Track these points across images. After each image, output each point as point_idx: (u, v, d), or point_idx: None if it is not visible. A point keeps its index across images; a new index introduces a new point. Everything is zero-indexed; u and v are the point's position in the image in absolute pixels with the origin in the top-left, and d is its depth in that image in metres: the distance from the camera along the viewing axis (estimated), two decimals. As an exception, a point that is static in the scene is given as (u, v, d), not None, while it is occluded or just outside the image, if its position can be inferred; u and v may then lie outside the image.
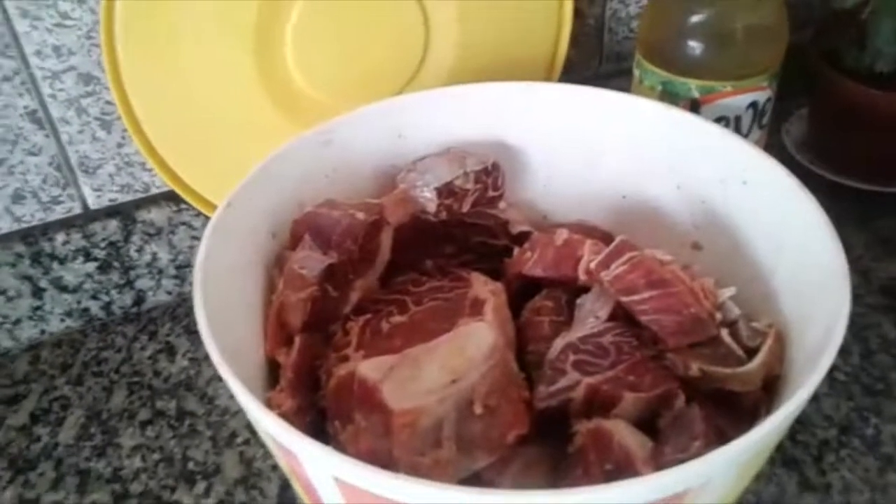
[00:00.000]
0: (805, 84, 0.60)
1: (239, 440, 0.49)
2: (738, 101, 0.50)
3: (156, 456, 0.48)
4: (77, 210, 0.54)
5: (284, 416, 0.38)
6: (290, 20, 0.50)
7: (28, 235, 0.53)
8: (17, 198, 0.52)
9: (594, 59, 0.65)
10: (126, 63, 0.48)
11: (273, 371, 0.40)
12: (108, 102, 0.51)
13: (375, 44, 0.53)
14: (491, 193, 0.48)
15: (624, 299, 0.38)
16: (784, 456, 0.44)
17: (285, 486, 0.46)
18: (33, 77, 0.48)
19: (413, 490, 0.28)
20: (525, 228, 0.48)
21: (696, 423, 0.36)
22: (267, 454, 0.47)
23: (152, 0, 0.47)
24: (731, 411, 0.37)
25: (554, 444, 0.37)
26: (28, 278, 0.54)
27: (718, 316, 0.39)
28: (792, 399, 0.31)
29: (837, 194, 0.59)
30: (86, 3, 0.47)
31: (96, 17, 0.48)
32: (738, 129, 0.51)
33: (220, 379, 0.52)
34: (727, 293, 0.40)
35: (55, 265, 0.54)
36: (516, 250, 0.45)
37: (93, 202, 0.54)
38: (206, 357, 0.54)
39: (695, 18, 0.49)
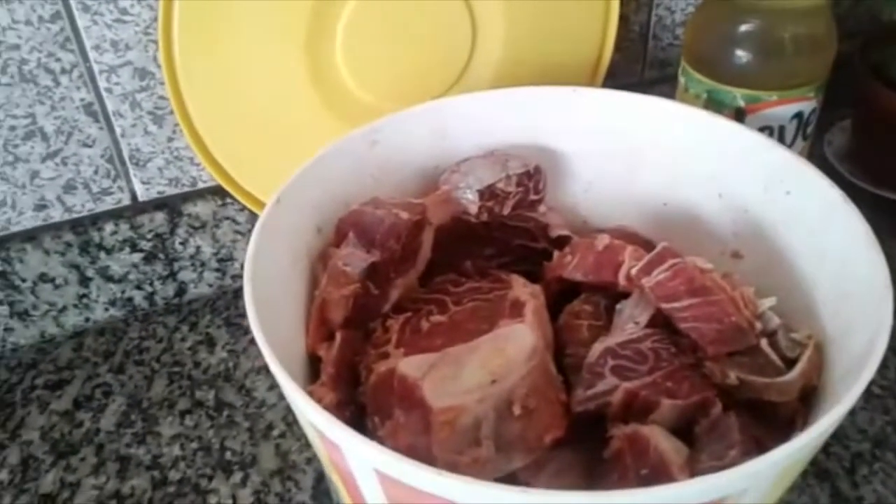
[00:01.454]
0: (848, 95, 0.60)
1: (275, 432, 0.50)
2: (783, 112, 0.50)
3: (194, 445, 0.49)
4: (126, 202, 0.55)
5: (326, 409, 0.39)
6: (340, 20, 0.51)
7: (78, 225, 0.54)
8: (69, 188, 0.53)
9: (638, 65, 0.65)
10: (181, 59, 0.49)
11: (314, 365, 0.41)
12: (162, 97, 0.52)
13: (423, 46, 0.54)
14: (532, 197, 0.48)
15: (664, 306, 0.39)
16: (817, 468, 0.44)
17: (320, 478, 0.47)
18: (91, 70, 0.50)
19: (455, 486, 0.29)
20: (565, 232, 0.48)
21: (732, 432, 0.36)
22: (302, 447, 0.48)
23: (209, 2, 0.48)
24: (767, 421, 0.38)
25: (590, 448, 0.37)
26: (76, 267, 0.55)
27: (758, 325, 0.39)
28: (831, 412, 0.31)
29: (878, 206, 0.59)
30: (144, 0, 0.49)
31: (154, 13, 0.49)
32: (781, 139, 0.51)
33: (258, 371, 0.53)
34: (767, 303, 0.40)
35: (102, 255, 0.56)
36: (556, 254, 0.46)
37: (142, 194, 0.55)
38: (245, 349, 0.55)
39: (742, 28, 0.49)
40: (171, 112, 0.52)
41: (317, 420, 0.32)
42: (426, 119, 0.49)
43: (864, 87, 0.59)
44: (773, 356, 0.38)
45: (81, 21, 0.48)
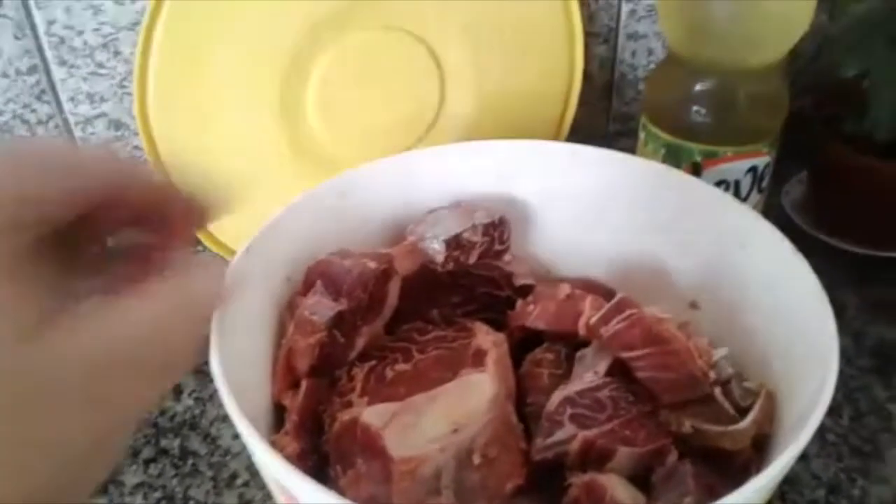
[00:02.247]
0: (806, 148, 0.62)
1: (239, 482, 0.50)
2: (738, 166, 0.52)
3: (157, 494, 0.49)
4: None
5: (289, 458, 0.39)
6: (312, 77, 0.53)
7: (51, 271, 0.55)
8: (43, 235, 0.54)
9: (602, 119, 0.67)
10: (155, 112, 0.51)
11: (279, 414, 0.41)
12: (136, 147, 0.53)
13: (393, 101, 0.56)
14: (497, 247, 0.49)
15: (622, 355, 0.40)
16: (775, 515, 0.45)
17: (286, 526, 0.47)
18: (67, 122, 0.51)
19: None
20: (529, 281, 0.49)
21: (687, 480, 0.37)
22: (265, 496, 0.49)
23: (185, 54, 0.50)
24: (722, 469, 0.38)
25: (549, 497, 0.38)
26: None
27: (712, 375, 0.40)
28: (780, 458, 0.32)
29: (833, 257, 0.61)
30: (121, 54, 0.50)
31: (130, 67, 0.51)
32: (737, 193, 0.53)
33: (223, 419, 0.54)
34: (721, 353, 0.41)
35: (74, 300, 0.56)
36: (519, 302, 0.47)
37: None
38: (212, 397, 0.56)
39: (698, 87, 0.51)
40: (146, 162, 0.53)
41: (276, 471, 0.32)
42: (395, 171, 0.50)
43: (820, 142, 0.61)
44: (727, 405, 0.40)
45: (58, 74, 0.49)
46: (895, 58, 0.57)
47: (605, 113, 0.67)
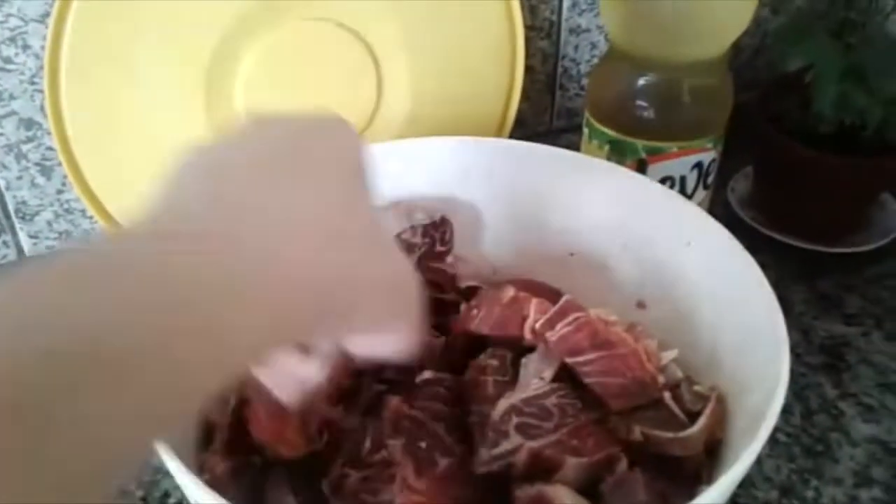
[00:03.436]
0: (750, 143, 0.61)
1: (171, 500, 0.47)
2: (683, 162, 0.51)
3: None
4: (12, 257, 0.52)
5: (218, 479, 0.37)
6: (241, 68, 0.50)
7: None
8: (-51, 243, 0.50)
9: (546, 115, 0.65)
10: (69, 109, 0.47)
11: (207, 432, 0.39)
12: (49, 149, 0.50)
13: (327, 96, 0.53)
14: (439, 248, 0.47)
15: (568, 360, 0.38)
16: (727, 519, 0.43)
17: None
18: (-29, 121, 0.47)
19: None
20: (473, 283, 0.48)
21: (638, 489, 0.35)
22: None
23: (100, 45, 0.46)
24: (673, 476, 0.37)
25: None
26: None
27: (661, 379, 0.39)
28: (731, 469, 0.31)
29: (780, 252, 0.60)
30: (30, 48, 0.47)
31: (40, 62, 0.47)
32: (683, 189, 0.52)
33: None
34: (670, 356, 0.40)
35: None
36: (462, 307, 0.45)
37: (29, 249, 0.52)
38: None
39: (641, 81, 0.50)
40: (60, 163, 0.49)
41: (198, 496, 0.30)
42: (330, 170, 0.48)
43: (764, 137, 0.60)
44: (677, 410, 0.38)
45: (-39, 69, 0.46)
46: (837, 51, 0.57)
47: (548, 108, 0.65)
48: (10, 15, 0.46)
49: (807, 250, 0.59)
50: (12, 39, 0.46)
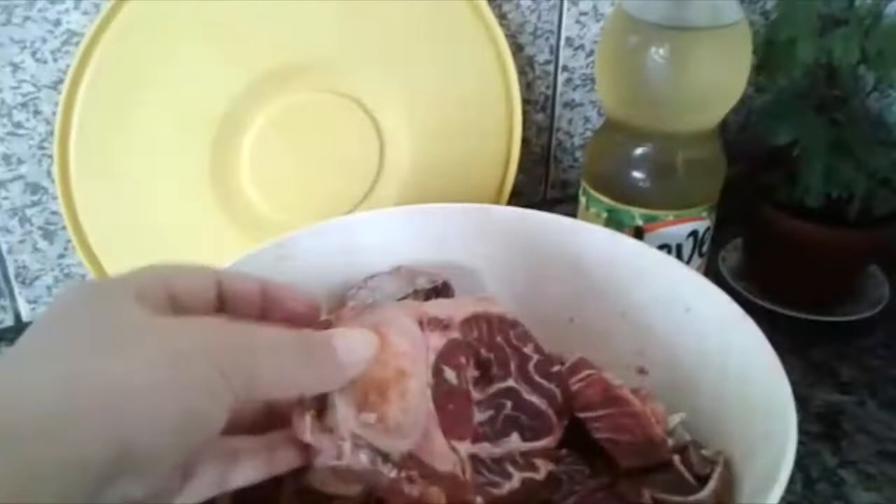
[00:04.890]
0: (740, 215, 0.63)
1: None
2: (679, 230, 0.52)
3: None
4: (9, 322, 0.52)
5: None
6: (245, 142, 0.51)
7: (-45, 347, 0.51)
8: (-52, 306, 0.50)
9: (541, 186, 0.67)
10: (77, 175, 0.48)
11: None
12: (54, 213, 0.50)
13: (330, 166, 0.54)
14: (440, 313, 0.48)
15: (580, 415, 0.38)
16: (735, 588, 0.43)
17: None
18: (-21, 184, 0.48)
19: None
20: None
21: (648, 553, 0.35)
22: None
23: (110, 112, 0.47)
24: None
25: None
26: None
27: (670, 441, 0.39)
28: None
29: (772, 322, 0.60)
30: (41, 114, 0.47)
31: (50, 127, 0.48)
32: (679, 257, 0.53)
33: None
34: (677, 418, 0.40)
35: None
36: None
37: (27, 314, 0.52)
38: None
39: (637, 152, 0.52)
40: (64, 228, 0.49)
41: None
42: (334, 234, 0.48)
43: (754, 209, 0.62)
44: (686, 473, 0.38)
45: (-28, 134, 0.46)
46: (823, 126, 0.59)
47: (542, 180, 0.67)
48: (23, 81, 0.47)
49: (799, 319, 0.60)
50: (24, 105, 0.47)
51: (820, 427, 0.53)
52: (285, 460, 0.32)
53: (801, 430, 0.52)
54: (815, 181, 0.58)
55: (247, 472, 0.31)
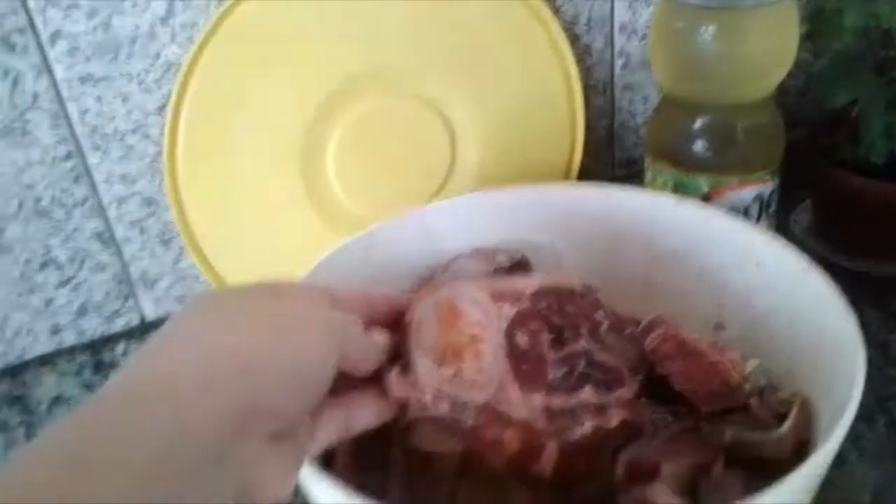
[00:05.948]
0: (807, 177, 0.64)
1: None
2: (744, 194, 0.54)
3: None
4: (135, 322, 0.58)
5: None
6: (330, 143, 0.56)
7: (90, 346, 0.57)
8: (82, 312, 0.56)
9: (606, 168, 0.70)
10: (185, 187, 0.53)
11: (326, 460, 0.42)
12: (167, 223, 0.55)
13: (407, 160, 0.58)
14: (521, 287, 0.51)
15: (660, 369, 0.41)
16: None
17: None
18: (101, 203, 0.53)
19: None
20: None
21: (735, 489, 0.37)
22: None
23: (209, 130, 0.53)
24: (767, 480, 0.39)
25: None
26: (89, 387, 0.57)
27: (747, 386, 0.41)
28: (816, 454, 0.33)
29: (849, 277, 0.61)
30: (149, 137, 0.53)
31: (159, 148, 0.53)
32: (746, 219, 0.55)
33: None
34: (752, 364, 0.42)
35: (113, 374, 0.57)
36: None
37: (150, 313, 0.58)
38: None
39: (698, 123, 0.54)
40: (177, 235, 0.55)
41: (331, 493, 0.33)
42: (415, 224, 0.52)
43: (819, 170, 0.63)
44: (765, 413, 0.41)
45: (92, 159, 0.52)
46: (881, 86, 0.60)
47: (608, 161, 0.70)
48: (131, 110, 0.53)
49: (874, 274, 0.61)
50: (134, 130, 0.53)
51: (900, 372, 0.54)
52: (387, 410, 0.37)
53: (883, 376, 0.54)
54: (876, 138, 0.59)
55: (363, 419, 0.36)
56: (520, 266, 0.51)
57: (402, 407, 0.37)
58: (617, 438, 0.40)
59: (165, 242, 0.56)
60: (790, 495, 0.32)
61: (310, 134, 0.55)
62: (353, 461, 0.41)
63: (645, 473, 0.38)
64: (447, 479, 0.40)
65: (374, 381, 0.37)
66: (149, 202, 0.55)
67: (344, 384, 0.34)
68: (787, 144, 0.57)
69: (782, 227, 0.62)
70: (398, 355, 0.38)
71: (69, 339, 0.56)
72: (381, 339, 0.37)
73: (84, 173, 0.52)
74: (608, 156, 0.69)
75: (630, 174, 0.69)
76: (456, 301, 0.39)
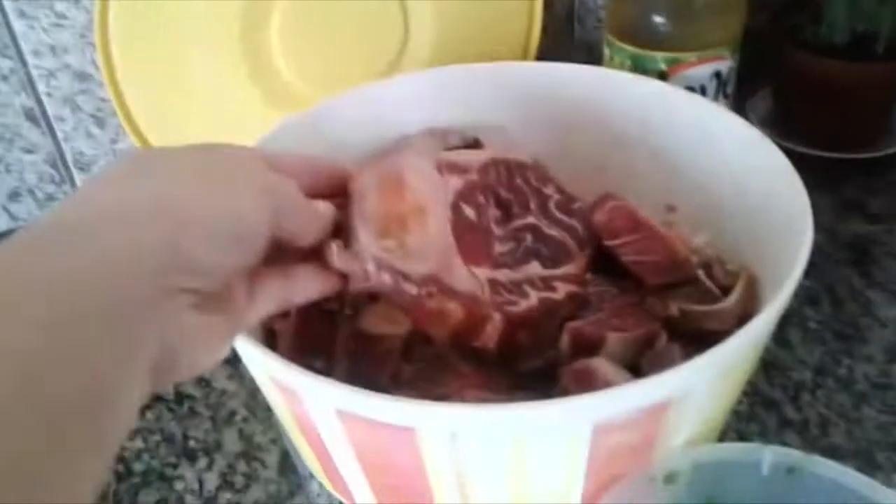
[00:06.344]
0: (766, 65, 0.63)
1: (238, 418, 0.50)
2: (702, 71, 0.53)
3: (156, 437, 0.49)
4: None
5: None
6: (274, 13, 0.53)
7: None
8: (14, 196, 0.53)
9: (565, 49, 0.68)
10: (120, 60, 0.50)
11: (271, 341, 0.42)
12: (102, 100, 0.53)
13: (356, 34, 0.56)
14: (473, 168, 0.50)
15: (608, 243, 0.41)
16: (763, 398, 0.46)
17: (285, 455, 0.47)
18: (30, 76, 0.50)
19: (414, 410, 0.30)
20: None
21: (675, 359, 0.38)
22: (266, 429, 0.49)
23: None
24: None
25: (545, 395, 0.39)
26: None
27: (694, 259, 0.41)
28: (761, 313, 0.33)
29: (803, 164, 0.61)
30: (80, 2, 0.50)
31: (91, 16, 0.50)
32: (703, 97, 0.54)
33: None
34: (701, 238, 0.42)
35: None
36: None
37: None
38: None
39: (657, -4, 0.52)
40: (113, 114, 0.52)
41: (275, 369, 0.33)
42: (364, 102, 0.50)
43: (781, 53, 0.62)
44: (711, 285, 0.41)
45: (18, 26, 0.49)
46: (845, -38, 0.58)
47: (568, 42, 0.67)
48: (59, -26, 0.49)
49: (829, 159, 0.61)
50: (63, -5, 0.50)
51: (849, 255, 0.55)
52: (330, 282, 0.35)
53: (831, 260, 0.55)
54: (839, 17, 0.58)
55: (305, 290, 0.34)
56: (471, 148, 0.49)
57: (345, 280, 0.36)
58: (563, 311, 0.40)
59: (101, 122, 0.54)
60: (726, 361, 0.32)
61: (251, 3, 0.52)
62: (296, 343, 0.41)
63: (589, 345, 0.38)
64: (392, 359, 0.40)
65: (318, 254, 0.36)
66: (81, 77, 0.52)
67: (286, 257, 0.33)
68: (749, 30, 0.55)
69: (739, 114, 0.61)
70: (342, 229, 0.37)
71: (1, 224, 0.54)
72: (324, 209, 0.36)
73: (10, 43, 0.49)
74: (568, 35, 0.67)
75: (590, 59, 0.67)
76: (401, 171, 0.38)
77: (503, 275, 0.39)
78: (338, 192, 0.38)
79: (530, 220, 0.41)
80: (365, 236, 0.35)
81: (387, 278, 0.35)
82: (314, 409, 0.34)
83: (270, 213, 0.30)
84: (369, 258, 0.35)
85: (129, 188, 0.27)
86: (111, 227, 0.25)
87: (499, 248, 0.40)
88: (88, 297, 0.23)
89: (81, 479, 0.22)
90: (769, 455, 0.34)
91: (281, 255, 0.32)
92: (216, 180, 0.29)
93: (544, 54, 0.63)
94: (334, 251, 0.35)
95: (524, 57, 0.63)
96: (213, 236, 0.27)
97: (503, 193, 0.41)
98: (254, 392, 0.50)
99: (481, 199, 0.40)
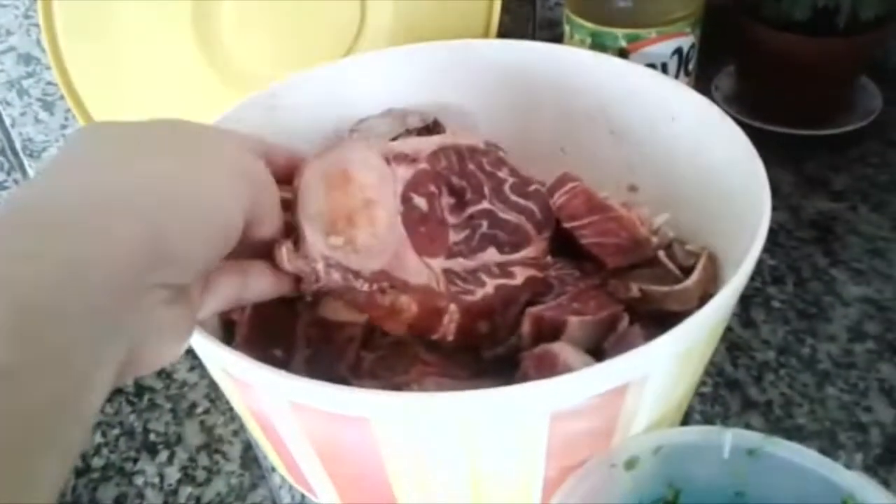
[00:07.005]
0: (729, 41, 0.63)
1: (199, 410, 0.49)
2: (663, 48, 0.52)
3: (116, 431, 0.48)
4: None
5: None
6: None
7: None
8: (-38, 184, 0.52)
9: (527, 27, 0.67)
10: (66, 42, 0.48)
11: (229, 331, 0.41)
12: (50, 83, 0.51)
13: (312, 15, 0.54)
14: (433, 150, 0.49)
15: (567, 225, 0.40)
16: (726, 378, 0.45)
17: (248, 447, 0.46)
18: (-28, 60, 0.49)
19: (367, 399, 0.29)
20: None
21: (637, 341, 0.37)
22: (227, 420, 0.48)
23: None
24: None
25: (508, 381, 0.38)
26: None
27: (654, 239, 0.41)
28: (718, 296, 0.32)
29: (767, 141, 0.61)
30: (21, -18, 0.48)
31: (32, -4, 0.48)
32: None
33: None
34: (661, 218, 0.42)
35: None
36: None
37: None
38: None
39: (618, -28, 0.51)
40: (62, 97, 0.51)
41: (227, 359, 0.32)
42: (322, 82, 0.49)
43: (742, 28, 0.61)
44: (671, 266, 0.40)
45: (-44, 9, 0.47)
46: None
47: (529, 20, 0.67)
48: (-1, -47, 0.47)
49: (792, 135, 0.61)
50: (4, -24, 0.48)
51: (812, 233, 0.55)
52: (282, 283, 0.34)
53: (794, 237, 0.55)
54: (801, -9, 0.57)
55: (258, 288, 0.33)
56: (431, 129, 0.49)
57: (298, 282, 0.35)
58: (523, 297, 0.39)
59: (49, 106, 0.52)
60: (684, 343, 0.32)
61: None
62: (255, 332, 0.40)
63: (550, 330, 0.38)
64: (353, 347, 0.39)
65: (271, 251, 0.35)
66: (27, 59, 0.50)
67: (240, 251, 0.31)
68: (712, 6, 0.54)
69: (703, 93, 0.61)
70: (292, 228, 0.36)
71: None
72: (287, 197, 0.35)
73: (-51, 27, 0.47)
74: (528, 15, 0.66)
75: (552, 37, 0.66)
76: (346, 165, 0.37)
77: (458, 264, 0.38)
78: (292, 181, 0.37)
79: (485, 205, 0.40)
80: (311, 235, 0.34)
81: (337, 277, 0.34)
82: (268, 401, 0.33)
83: (249, 201, 0.29)
84: (318, 257, 0.34)
85: (96, 173, 0.25)
86: (82, 219, 0.23)
87: (453, 236, 0.39)
88: (59, 301, 0.21)
89: (44, 482, 0.21)
90: (729, 437, 0.34)
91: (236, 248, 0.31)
92: (196, 162, 0.28)
93: (506, 31, 0.63)
94: (284, 254, 0.34)
95: (485, 35, 0.62)
96: (196, 230, 0.26)
97: (455, 180, 0.40)
98: (215, 384, 0.49)
99: (432, 187, 0.39)
